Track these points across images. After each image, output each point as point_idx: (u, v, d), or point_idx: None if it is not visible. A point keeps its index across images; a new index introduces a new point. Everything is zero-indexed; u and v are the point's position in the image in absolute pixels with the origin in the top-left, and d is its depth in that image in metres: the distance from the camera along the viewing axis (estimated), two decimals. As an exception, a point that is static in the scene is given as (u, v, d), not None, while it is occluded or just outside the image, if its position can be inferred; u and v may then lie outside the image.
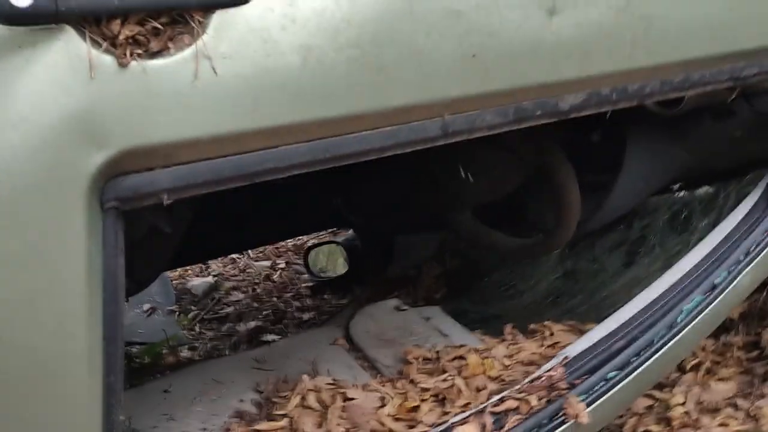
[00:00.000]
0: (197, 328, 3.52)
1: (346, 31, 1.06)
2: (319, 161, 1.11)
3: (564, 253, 2.98)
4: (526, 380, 1.56)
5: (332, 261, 3.92)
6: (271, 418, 1.60)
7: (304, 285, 3.79)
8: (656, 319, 1.60)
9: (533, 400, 1.50)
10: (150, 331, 3.52)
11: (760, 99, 1.74)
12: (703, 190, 2.82)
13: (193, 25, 0.97)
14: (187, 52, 0.97)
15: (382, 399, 1.64)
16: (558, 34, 1.24)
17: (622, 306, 1.69)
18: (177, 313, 3.73)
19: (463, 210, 2.20)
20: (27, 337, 0.94)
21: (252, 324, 3.28)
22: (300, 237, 4.29)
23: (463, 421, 1.46)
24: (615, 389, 1.53)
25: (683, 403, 2.05)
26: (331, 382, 1.72)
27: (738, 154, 2.04)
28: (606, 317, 1.69)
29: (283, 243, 4.25)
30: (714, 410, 2.05)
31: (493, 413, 1.49)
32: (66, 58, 0.89)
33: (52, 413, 1.00)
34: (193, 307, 3.75)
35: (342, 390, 1.66)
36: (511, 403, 1.51)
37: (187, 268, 4.16)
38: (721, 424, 1.97)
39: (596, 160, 2.15)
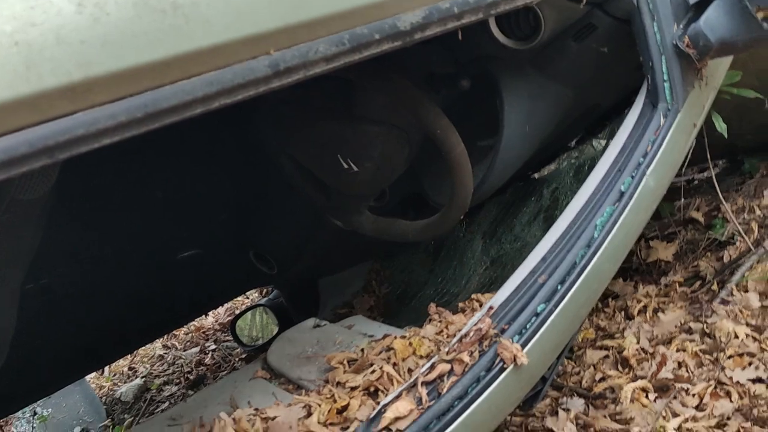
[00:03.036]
0: (135, 435, 3.23)
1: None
2: (137, 121, 0.95)
3: (486, 243, 2.88)
4: (454, 340, 1.41)
5: (262, 328, 3.72)
6: (188, 464, 1.39)
7: (238, 359, 3.56)
8: (573, 242, 1.49)
9: (465, 357, 1.35)
10: (85, 456, 3.24)
11: (613, 3, 1.69)
12: (602, 142, 2.80)
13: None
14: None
15: (308, 409, 1.46)
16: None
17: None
18: (111, 426, 3.44)
19: (360, 210, 2.07)
20: None
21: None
22: (229, 315, 4.08)
23: (395, 399, 1.30)
24: (549, 321, 1.39)
25: (637, 342, 1.94)
26: (252, 411, 1.52)
27: (614, 78, 1.98)
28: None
29: (210, 325, 4.02)
30: (668, 340, 1.94)
31: (426, 383, 1.33)
32: None
33: None
34: (126, 416, 3.46)
35: (263, 414, 1.47)
36: (443, 367, 1.35)
37: (114, 377, 3.87)
38: (680, 349, 1.86)
39: (479, 124, 2.08)
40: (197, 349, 3.81)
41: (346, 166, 1.85)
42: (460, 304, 1.84)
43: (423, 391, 1.31)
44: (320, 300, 3.32)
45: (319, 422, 1.40)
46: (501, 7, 1.36)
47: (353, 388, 1.50)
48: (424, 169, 2.19)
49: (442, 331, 1.66)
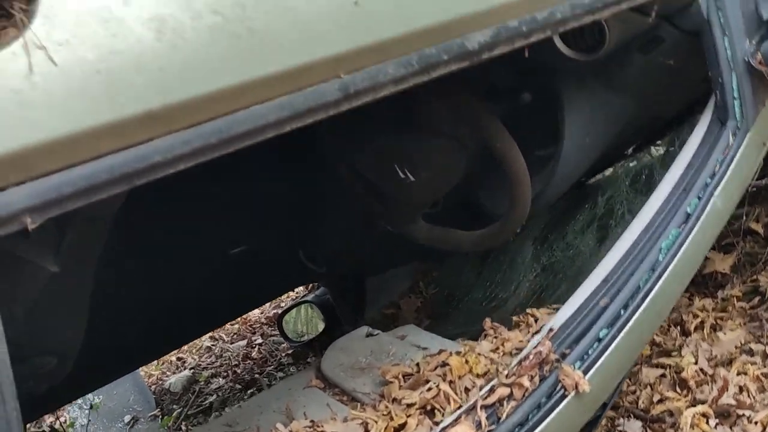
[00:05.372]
0: (183, 427, 3.30)
1: (201, -5, 0.94)
2: (210, 147, 0.96)
3: (537, 249, 2.85)
4: (513, 363, 1.39)
5: (308, 322, 3.75)
6: (245, 476, 1.40)
7: (285, 354, 3.59)
8: (636, 265, 1.46)
9: (525, 382, 1.33)
10: (136, 444, 3.31)
11: (682, 17, 1.64)
12: (660, 149, 2.74)
13: (15, 13, 0.84)
14: (15, 45, 0.83)
15: (365, 425, 1.46)
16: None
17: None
18: (160, 416, 3.50)
19: (415, 219, 2.06)
20: None
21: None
22: (275, 308, 4.12)
23: (455, 423, 1.29)
24: (611, 347, 1.36)
25: (695, 362, 1.89)
26: (308, 424, 1.53)
27: (678, 90, 1.93)
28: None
29: (256, 318, 4.06)
30: (728, 362, 1.89)
31: (485, 407, 1.32)
32: None
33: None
34: (175, 406, 3.52)
35: (320, 428, 1.48)
36: (502, 391, 1.33)
37: (163, 366, 3.95)
38: (741, 372, 1.81)
39: (538, 133, 2.05)
40: (244, 342, 3.85)
41: (403, 175, 1.84)
42: (515, 318, 1.82)
43: (482, 415, 1.30)
44: (367, 299, 3.32)
45: (375, 439, 1.40)
46: (569, 23, 1.33)
47: (409, 405, 1.50)
48: (480, 178, 2.17)
49: (498, 348, 1.65)
